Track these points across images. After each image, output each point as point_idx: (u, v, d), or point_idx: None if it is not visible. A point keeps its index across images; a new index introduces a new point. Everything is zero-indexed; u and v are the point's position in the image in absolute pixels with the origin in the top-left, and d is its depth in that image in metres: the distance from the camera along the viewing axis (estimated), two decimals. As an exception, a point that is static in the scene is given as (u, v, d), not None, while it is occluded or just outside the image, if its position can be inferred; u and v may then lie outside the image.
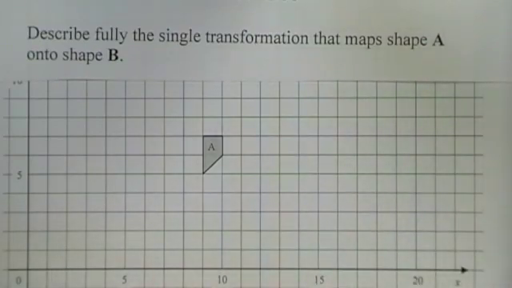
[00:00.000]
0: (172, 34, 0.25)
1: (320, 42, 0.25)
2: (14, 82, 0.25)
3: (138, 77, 0.25)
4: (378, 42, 0.25)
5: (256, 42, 0.25)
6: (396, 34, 0.25)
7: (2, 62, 0.25)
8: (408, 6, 0.25)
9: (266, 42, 0.25)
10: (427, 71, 0.25)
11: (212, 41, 0.25)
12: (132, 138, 0.25)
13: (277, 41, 0.25)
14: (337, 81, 0.25)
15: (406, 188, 0.25)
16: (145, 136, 0.25)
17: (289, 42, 0.25)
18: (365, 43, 0.25)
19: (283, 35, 0.25)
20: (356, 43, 0.25)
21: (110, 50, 0.25)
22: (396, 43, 0.25)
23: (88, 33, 0.25)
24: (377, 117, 0.25)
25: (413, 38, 0.25)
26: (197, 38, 0.25)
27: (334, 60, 0.25)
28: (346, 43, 0.25)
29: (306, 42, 0.25)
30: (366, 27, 0.25)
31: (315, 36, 0.25)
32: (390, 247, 0.25)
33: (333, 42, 0.25)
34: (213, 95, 0.25)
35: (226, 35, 0.25)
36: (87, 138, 0.25)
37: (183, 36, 0.25)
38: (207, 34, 0.25)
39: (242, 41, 0.25)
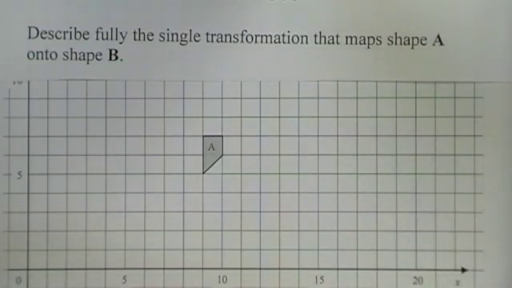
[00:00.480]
0: (172, 34, 0.25)
1: (320, 42, 0.25)
2: (14, 82, 0.25)
3: (138, 77, 0.25)
4: (378, 42, 0.25)
5: (256, 42, 0.25)
6: (396, 34, 0.25)
7: (1, 62, 0.25)
8: (408, 6, 0.25)
9: (266, 42, 0.25)
10: (427, 71, 0.25)
11: (212, 41, 0.25)
12: (132, 138, 0.25)
13: (277, 41, 0.25)
14: (337, 81, 0.25)
15: (406, 188, 0.25)
16: (145, 136, 0.25)
17: (289, 42, 0.25)
18: (365, 43, 0.25)
19: (283, 35, 0.25)
20: (356, 43, 0.25)
21: (110, 50, 0.25)
22: (396, 43, 0.25)
23: (88, 33, 0.25)
24: (377, 117, 0.25)
25: (413, 38, 0.25)
26: (197, 38, 0.25)
27: (333, 60, 0.25)
28: (346, 43, 0.25)
29: (306, 42, 0.25)
30: (366, 27, 0.25)
31: (315, 36, 0.25)
32: (390, 247, 0.25)
33: (333, 42, 0.25)
34: (213, 95, 0.25)
35: (226, 35, 0.25)
36: (87, 138, 0.25)
37: (183, 36, 0.25)
38: (207, 34, 0.25)
39: (242, 41, 0.25)
